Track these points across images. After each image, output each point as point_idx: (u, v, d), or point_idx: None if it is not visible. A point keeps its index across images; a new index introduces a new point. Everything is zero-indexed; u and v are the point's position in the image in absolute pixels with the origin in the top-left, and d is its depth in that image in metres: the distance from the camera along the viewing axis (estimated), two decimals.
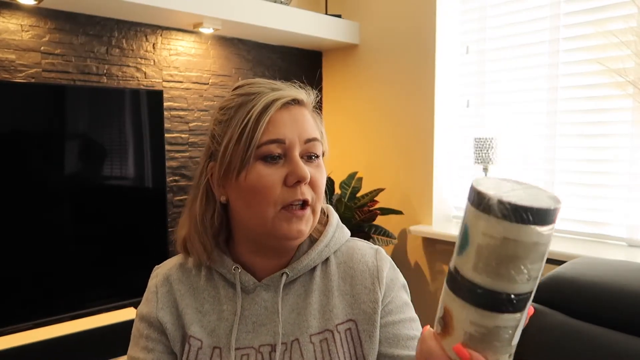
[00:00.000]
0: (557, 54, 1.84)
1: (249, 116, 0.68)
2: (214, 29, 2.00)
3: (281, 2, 2.13)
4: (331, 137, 0.78)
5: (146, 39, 1.96)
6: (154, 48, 1.98)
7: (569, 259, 1.39)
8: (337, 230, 0.79)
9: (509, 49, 1.99)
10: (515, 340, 0.47)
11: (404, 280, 0.79)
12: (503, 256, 0.43)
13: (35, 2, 1.61)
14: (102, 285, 1.71)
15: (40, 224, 1.57)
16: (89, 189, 1.67)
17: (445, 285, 0.49)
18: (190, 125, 2.10)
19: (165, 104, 2.00)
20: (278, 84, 0.74)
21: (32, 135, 1.56)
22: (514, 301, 0.44)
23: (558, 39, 1.84)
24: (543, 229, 0.42)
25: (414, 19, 2.19)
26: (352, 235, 0.83)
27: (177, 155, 2.06)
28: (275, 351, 0.71)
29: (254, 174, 0.68)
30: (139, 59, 1.95)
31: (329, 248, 0.76)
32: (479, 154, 1.91)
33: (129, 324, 1.66)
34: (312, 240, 0.77)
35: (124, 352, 0.78)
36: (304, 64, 2.54)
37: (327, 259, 0.77)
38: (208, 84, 2.16)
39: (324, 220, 0.80)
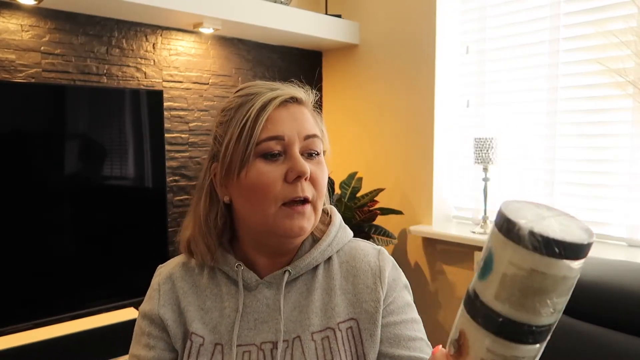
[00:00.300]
0: (557, 54, 1.84)
1: (248, 115, 0.69)
2: (214, 29, 2.00)
3: (281, 2, 2.13)
4: (331, 137, 0.78)
5: (146, 39, 1.96)
6: (154, 48, 1.98)
7: None
8: (340, 230, 0.79)
9: (509, 49, 1.99)
10: None
11: (407, 280, 0.80)
12: (529, 288, 0.41)
13: (35, 2, 1.61)
14: (102, 285, 1.71)
15: (40, 224, 1.57)
16: (89, 189, 1.67)
17: (462, 307, 0.47)
18: (190, 125, 2.10)
19: (165, 104, 2.00)
20: (277, 84, 0.75)
21: (32, 136, 1.56)
22: (536, 333, 0.43)
23: (558, 39, 1.84)
24: (574, 264, 0.40)
25: (414, 19, 2.19)
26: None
27: (177, 155, 2.06)
28: (276, 348, 0.71)
29: (254, 172, 0.68)
30: (139, 59, 1.95)
31: (331, 247, 0.77)
32: (479, 154, 1.91)
33: (129, 324, 1.67)
34: (315, 239, 0.78)
35: (124, 352, 0.79)
36: (304, 64, 2.54)
37: (329, 258, 0.78)
38: (208, 84, 2.16)
39: (327, 220, 0.80)
